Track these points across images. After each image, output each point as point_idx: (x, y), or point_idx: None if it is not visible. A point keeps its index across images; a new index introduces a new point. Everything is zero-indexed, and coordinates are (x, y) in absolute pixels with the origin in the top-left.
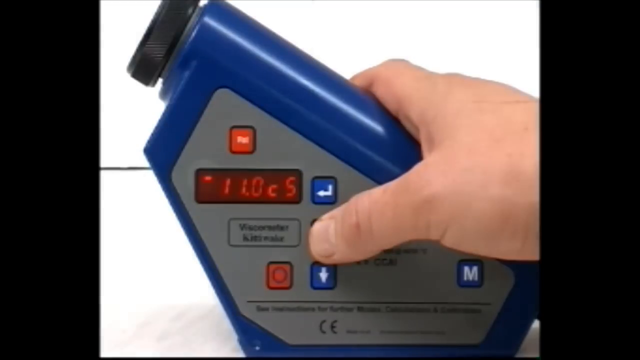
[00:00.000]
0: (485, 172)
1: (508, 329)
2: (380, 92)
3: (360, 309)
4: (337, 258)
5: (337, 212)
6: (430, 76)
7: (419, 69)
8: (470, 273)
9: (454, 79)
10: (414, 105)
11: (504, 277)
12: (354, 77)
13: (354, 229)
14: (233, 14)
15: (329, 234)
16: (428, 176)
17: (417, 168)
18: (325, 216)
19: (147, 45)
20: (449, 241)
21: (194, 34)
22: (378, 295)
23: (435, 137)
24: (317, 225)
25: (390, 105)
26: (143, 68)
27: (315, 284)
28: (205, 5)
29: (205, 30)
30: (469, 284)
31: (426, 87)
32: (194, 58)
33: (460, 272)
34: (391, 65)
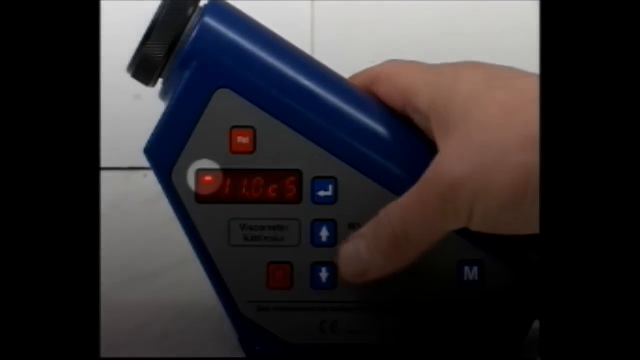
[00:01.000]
0: (501, 143)
1: (508, 329)
2: (383, 89)
3: (360, 309)
4: (373, 274)
5: (365, 230)
6: (435, 66)
7: (420, 62)
8: (470, 273)
9: (460, 64)
10: (422, 95)
11: (504, 277)
12: (353, 77)
13: (392, 238)
14: (233, 14)
15: (360, 253)
16: (446, 164)
17: (436, 160)
18: (352, 237)
19: (147, 45)
20: (476, 222)
21: (194, 34)
22: (378, 294)
23: (450, 123)
24: (345, 248)
25: (395, 101)
26: (143, 68)
27: (315, 284)
28: (205, 5)
29: (206, 30)
30: (469, 284)
31: (433, 76)
32: (194, 58)
33: (460, 272)
34: (392, 63)
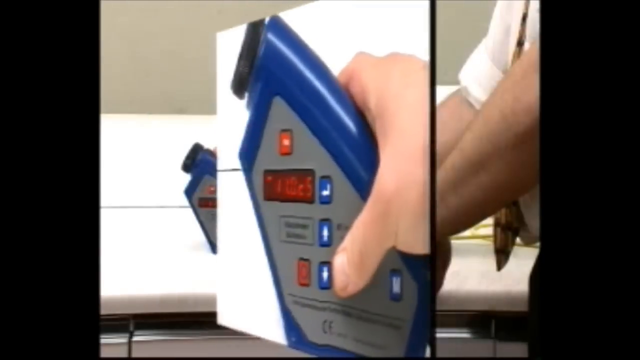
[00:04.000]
0: (411, 155)
1: (418, 340)
2: (353, 90)
3: (346, 313)
4: (351, 289)
5: (346, 243)
6: (386, 63)
7: (381, 56)
8: (396, 285)
9: (398, 60)
10: (371, 97)
11: (413, 289)
12: (339, 76)
13: (360, 255)
14: (287, 31)
15: (344, 266)
16: (384, 180)
17: (377, 174)
18: (339, 249)
19: (238, 65)
20: (399, 240)
21: (262, 49)
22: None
23: (386, 129)
24: (335, 260)
25: (360, 102)
26: (237, 84)
27: (321, 283)
28: (268, 22)
29: (269, 45)
30: (395, 298)
31: (380, 75)
32: (262, 70)
33: (390, 284)
34: (356, 58)
